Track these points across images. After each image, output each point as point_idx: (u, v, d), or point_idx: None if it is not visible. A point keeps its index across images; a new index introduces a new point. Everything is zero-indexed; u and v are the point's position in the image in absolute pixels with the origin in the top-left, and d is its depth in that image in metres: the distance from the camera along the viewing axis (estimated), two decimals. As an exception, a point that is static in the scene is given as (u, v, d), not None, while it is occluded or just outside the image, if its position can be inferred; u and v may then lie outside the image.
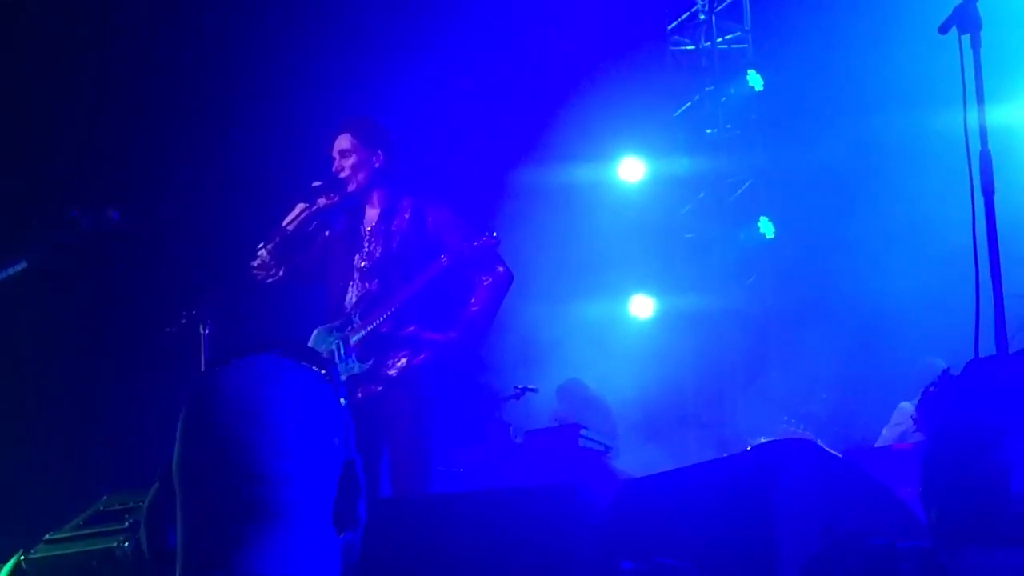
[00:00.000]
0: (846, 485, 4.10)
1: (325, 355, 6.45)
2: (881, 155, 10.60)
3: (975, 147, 4.59)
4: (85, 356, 8.95)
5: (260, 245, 6.81)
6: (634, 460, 9.23)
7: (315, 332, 6.79)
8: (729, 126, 12.51)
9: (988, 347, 4.41)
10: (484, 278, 6.70)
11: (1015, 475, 2.65)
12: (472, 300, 6.71)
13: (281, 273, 6.84)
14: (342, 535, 2.07)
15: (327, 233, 6.90)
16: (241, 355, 2.09)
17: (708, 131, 12.54)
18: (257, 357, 2.08)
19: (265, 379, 2.05)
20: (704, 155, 12.42)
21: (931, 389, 2.99)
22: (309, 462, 2.02)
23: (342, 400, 2.13)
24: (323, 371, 2.12)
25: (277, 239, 6.78)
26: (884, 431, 8.97)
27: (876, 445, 8.60)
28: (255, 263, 6.83)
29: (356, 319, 6.67)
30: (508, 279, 6.76)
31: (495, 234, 6.67)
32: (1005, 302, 4.64)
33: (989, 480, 2.67)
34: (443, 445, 7.27)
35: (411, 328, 6.62)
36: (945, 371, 2.99)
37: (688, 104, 12.60)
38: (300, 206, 6.76)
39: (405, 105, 9.06)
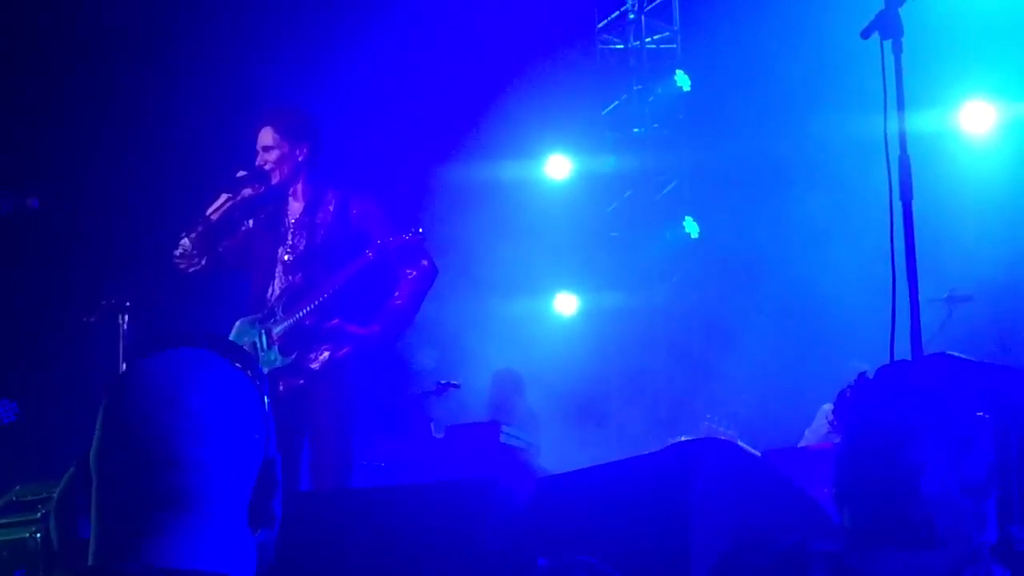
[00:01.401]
0: (762, 484, 4.14)
1: (247, 347, 6.45)
2: (805, 157, 10.68)
3: (895, 152, 4.63)
4: (0, 343, 8.84)
5: (182, 234, 6.75)
6: (556, 457, 9.26)
7: (237, 324, 6.75)
8: (656, 125, 12.56)
9: (905, 351, 4.46)
10: (408, 271, 6.68)
11: (924, 477, 2.69)
12: (396, 293, 6.69)
13: (204, 263, 6.78)
14: (257, 533, 2.06)
15: (251, 223, 6.85)
16: (165, 346, 2.08)
17: (635, 130, 12.58)
18: (182, 349, 2.07)
19: (188, 370, 2.04)
20: (631, 154, 12.47)
21: (847, 392, 3.03)
22: (226, 453, 2.01)
23: (265, 399, 2.12)
24: (247, 368, 2.11)
25: (200, 228, 6.72)
26: (806, 432, 9.05)
27: (798, 446, 8.66)
28: (177, 252, 6.77)
29: (279, 312, 6.63)
30: (433, 273, 6.75)
31: (421, 229, 6.65)
32: (925, 306, 4.71)
33: (899, 481, 2.70)
34: (365, 439, 7.26)
35: (334, 321, 6.59)
36: (861, 374, 3.03)
37: (616, 103, 12.64)
38: (224, 196, 6.71)
39: (332, 98, 9.04)
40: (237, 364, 2.09)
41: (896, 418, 2.77)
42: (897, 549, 2.69)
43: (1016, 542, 2.67)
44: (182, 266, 6.80)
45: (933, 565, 2.64)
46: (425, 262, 6.71)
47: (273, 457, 2.09)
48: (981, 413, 2.81)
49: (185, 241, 6.75)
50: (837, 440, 2.94)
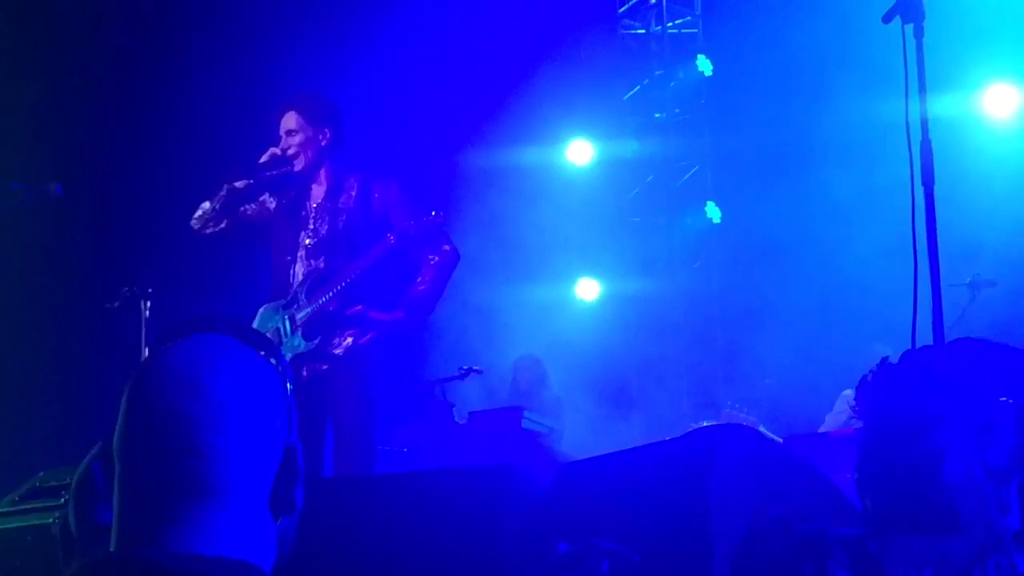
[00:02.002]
0: (783, 470, 4.13)
1: (271, 333, 6.46)
2: (827, 141, 10.66)
3: (917, 137, 4.62)
4: (24, 331, 8.88)
5: (204, 202, 6.77)
6: (578, 442, 9.27)
7: (261, 310, 6.76)
8: (678, 110, 12.54)
9: (927, 335, 4.45)
10: (431, 257, 6.69)
11: (947, 463, 2.68)
12: (418, 279, 6.69)
13: (224, 226, 6.77)
14: (278, 520, 2.06)
15: (273, 202, 6.86)
16: (189, 332, 2.08)
17: (657, 115, 12.56)
18: (205, 335, 2.07)
19: (211, 357, 2.03)
20: (652, 139, 12.45)
21: (869, 377, 3.02)
22: (249, 441, 2.01)
23: (288, 385, 2.12)
24: (269, 355, 2.11)
25: (224, 192, 6.73)
26: (827, 418, 9.03)
27: (819, 432, 8.65)
28: (197, 214, 6.76)
29: (302, 297, 6.64)
30: (455, 258, 6.75)
31: (442, 213, 6.65)
32: (948, 291, 4.69)
33: (921, 467, 2.70)
34: (387, 425, 7.27)
35: (357, 307, 6.59)
36: (884, 359, 3.02)
37: (637, 88, 12.62)
38: (246, 181, 6.73)
39: (355, 84, 9.04)
40: (259, 351, 2.09)
41: (918, 403, 2.77)
42: (919, 535, 2.68)
43: (1040, 530, 2.67)
44: (199, 227, 6.77)
45: (956, 551, 2.63)
46: (447, 247, 6.71)
47: (295, 445, 2.09)
48: (1004, 398, 2.80)
49: (206, 204, 6.76)
50: (858, 426, 2.93)
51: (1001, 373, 2.90)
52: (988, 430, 2.73)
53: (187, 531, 1.95)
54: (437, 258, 6.69)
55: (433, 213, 6.61)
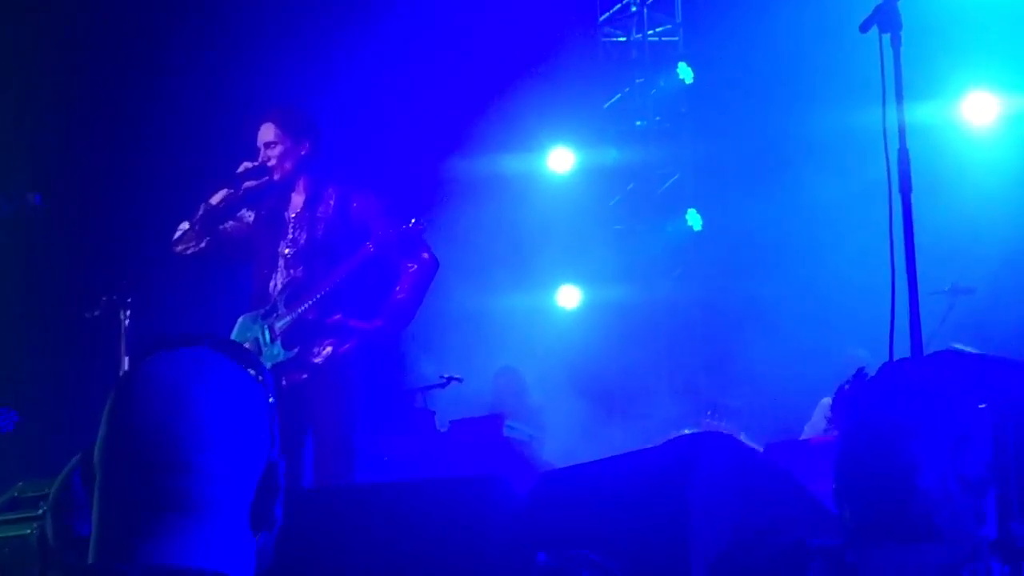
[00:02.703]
0: (762, 480, 4.14)
1: (250, 342, 6.46)
2: (807, 149, 10.67)
3: (894, 145, 4.64)
4: (3, 340, 8.85)
5: (183, 222, 6.78)
6: (560, 450, 9.27)
7: (240, 319, 6.76)
8: (658, 118, 12.55)
9: (906, 342, 4.46)
10: (409, 265, 6.70)
11: (922, 472, 2.69)
12: (397, 288, 6.70)
13: (204, 245, 6.78)
14: (257, 536, 2.06)
15: (251, 217, 6.86)
16: (172, 346, 2.08)
17: (638, 123, 12.57)
18: (188, 349, 2.07)
19: (194, 372, 2.04)
20: (633, 147, 12.46)
21: (846, 386, 3.04)
22: (231, 457, 2.01)
23: (271, 400, 2.12)
24: (252, 369, 2.11)
25: (201, 212, 6.74)
26: (806, 428, 9.04)
27: (799, 440, 8.65)
28: (176, 235, 6.77)
29: (281, 306, 6.64)
30: (434, 266, 6.76)
31: (421, 221, 6.65)
32: (927, 298, 4.71)
33: (898, 477, 2.71)
34: (367, 434, 7.26)
35: (337, 316, 6.60)
36: (860, 370, 3.03)
37: (618, 96, 12.63)
38: (225, 190, 6.73)
39: (334, 93, 9.04)
40: (242, 365, 2.09)
41: (894, 415, 2.78)
42: (896, 544, 2.69)
43: (1016, 538, 2.68)
44: (180, 248, 6.78)
45: (932, 560, 2.65)
46: (426, 255, 6.72)
47: (277, 460, 2.09)
48: (982, 405, 2.82)
49: (185, 224, 6.77)
50: (836, 435, 2.95)
51: (977, 383, 2.92)
52: (963, 441, 2.74)
53: (166, 545, 1.96)
54: (416, 266, 6.70)
55: (412, 221, 6.62)
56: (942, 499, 2.69)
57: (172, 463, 1.97)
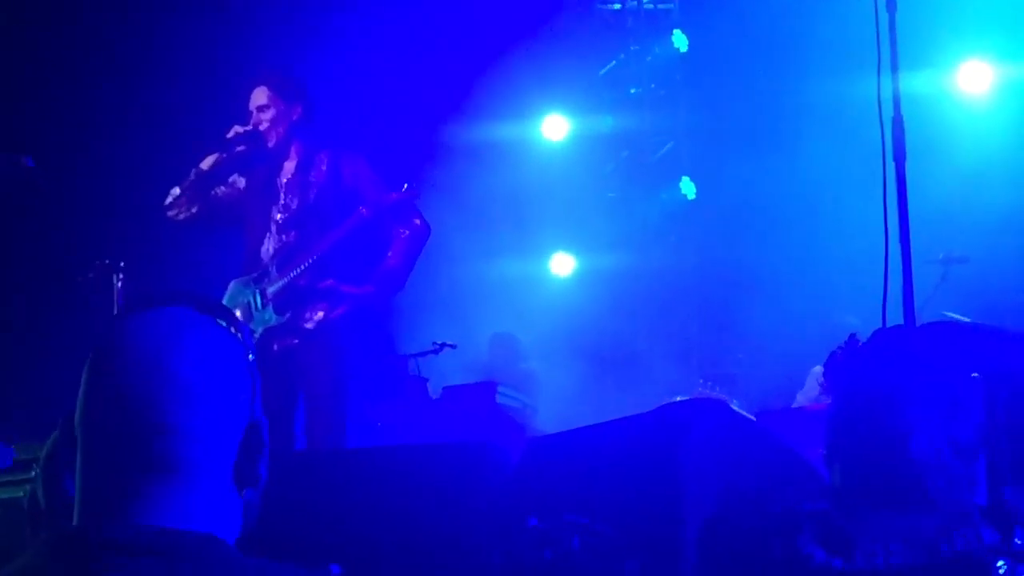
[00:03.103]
0: (753, 446, 4.14)
1: (242, 307, 6.46)
2: (802, 117, 10.65)
3: (889, 113, 4.63)
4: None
5: (174, 187, 6.77)
6: (553, 417, 9.27)
7: (232, 284, 6.76)
8: (653, 86, 12.51)
9: (899, 309, 4.46)
10: (401, 231, 6.70)
11: (914, 440, 2.70)
12: (389, 253, 6.70)
13: (195, 211, 6.78)
14: (243, 494, 2.05)
15: (243, 182, 6.85)
16: (150, 305, 2.06)
17: (632, 91, 12.53)
18: (167, 308, 2.05)
19: (174, 330, 2.01)
20: (628, 115, 12.42)
21: (838, 352, 3.04)
22: (213, 416, 2.00)
23: (251, 357, 2.10)
24: (233, 327, 2.09)
25: (192, 177, 6.73)
26: (798, 396, 9.04)
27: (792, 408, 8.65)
28: (168, 201, 6.77)
29: (273, 271, 6.64)
30: (426, 232, 6.76)
31: (413, 186, 6.65)
32: (921, 267, 4.71)
33: (889, 443, 2.71)
34: (359, 399, 7.27)
35: (328, 281, 6.60)
36: (852, 336, 3.03)
37: (613, 63, 12.59)
38: (216, 155, 6.72)
39: (327, 59, 8.99)
40: (222, 323, 2.08)
41: (887, 381, 2.78)
42: (887, 510, 2.70)
43: (1007, 505, 2.68)
44: (172, 214, 6.79)
45: (923, 526, 2.65)
46: (418, 221, 6.73)
47: (259, 418, 2.08)
48: (974, 374, 2.82)
49: (176, 190, 6.77)
50: (828, 402, 2.95)
51: (969, 351, 2.92)
52: (955, 407, 2.75)
53: (150, 506, 1.95)
54: (408, 232, 6.70)
55: (404, 187, 6.62)
56: (934, 465, 2.70)
57: (153, 424, 1.96)
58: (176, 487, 1.96)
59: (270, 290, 6.61)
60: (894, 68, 4.60)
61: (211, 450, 1.99)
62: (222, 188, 6.84)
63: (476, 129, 11.14)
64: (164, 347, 1.99)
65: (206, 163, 6.73)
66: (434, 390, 9.17)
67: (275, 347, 6.53)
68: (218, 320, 2.07)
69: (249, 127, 6.71)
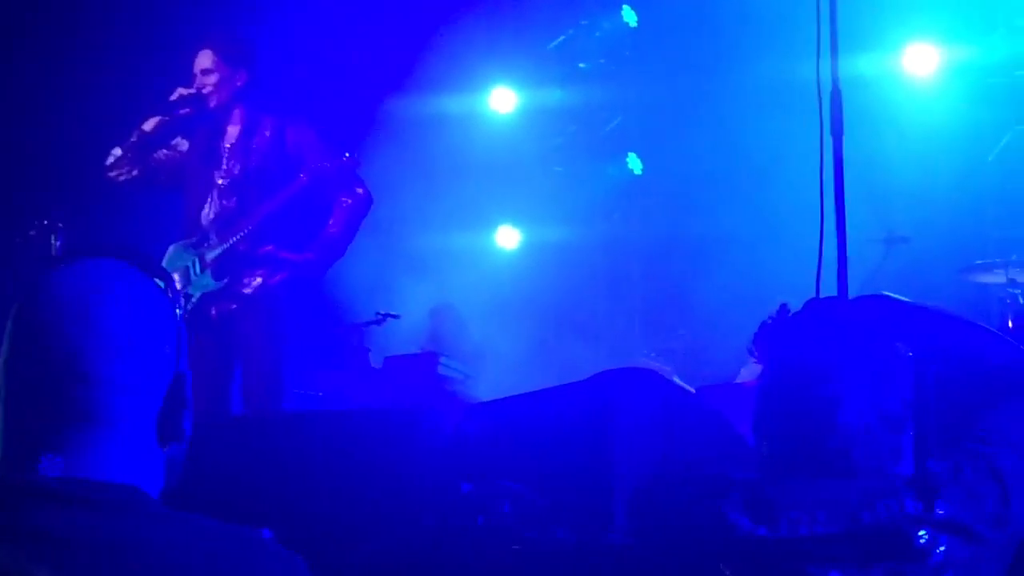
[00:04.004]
0: (689, 416, 4.16)
1: (180, 271, 6.44)
2: (750, 95, 10.68)
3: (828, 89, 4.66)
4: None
5: (115, 148, 6.72)
6: (497, 390, 9.27)
7: (171, 248, 6.73)
8: (602, 61, 12.50)
9: (831, 287, 4.48)
10: (344, 199, 6.70)
11: (842, 408, 2.72)
12: (330, 221, 6.70)
13: (136, 173, 6.74)
14: (166, 448, 2.05)
15: (186, 145, 6.81)
16: (76, 257, 2.06)
17: (581, 65, 12.52)
18: (92, 260, 2.05)
19: (100, 281, 2.01)
20: (576, 89, 12.41)
21: (768, 321, 3.05)
22: (136, 368, 1.99)
23: (178, 312, 2.10)
24: (159, 279, 2.08)
25: (134, 139, 6.69)
26: (742, 371, 9.08)
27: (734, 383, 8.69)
28: (109, 162, 6.73)
29: (213, 236, 6.62)
30: (368, 201, 6.76)
31: (356, 155, 6.64)
32: (864, 246, 4.74)
33: (817, 412, 2.73)
34: (299, 367, 7.26)
35: (268, 247, 6.59)
36: (783, 305, 3.04)
37: (562, 37, 12.56)
38: (158, 117, 6.68)
39: (272, 25, 8.93)
40: (149, 275, 2.07)
41: (817, 350, 2.80)
42: (813, 479, 2.71)
43: (931, 476, 2.70)
44: (113, 175, 6.75)
45: (847, 495, 2.67)
46: (360, 190, 6.72)
47: (184, 372, 2.07)
48: (902, 347, 2.83)
49: (117, 150, 6.72)
50: (760, 369, 2.97)
51: (902, 326, 2.94)
52: (884, 378, 2.76)
53: (72, 456, 1.94)
54: (350, 200, 6.70)
55: (347, 155, 6.60)
56: (860, 434, 2.72)
57: (76, 373, 1.95)
58: (97, 437, 1.96)
59: (209, 255, 6.59)
60: (833, 45, 4.62)
61: (134, 401, 1.99)
62: (164, 151, 6.81)
63: (423, 99, 11.10)
64: (89, 297, 1.99)
65: (148, 125, 6.69)
66: (376, 360, 9.16)
67: (213, 312, 6.51)
68: (145, 273, 2.07)
69: (193, 90, 6.67)
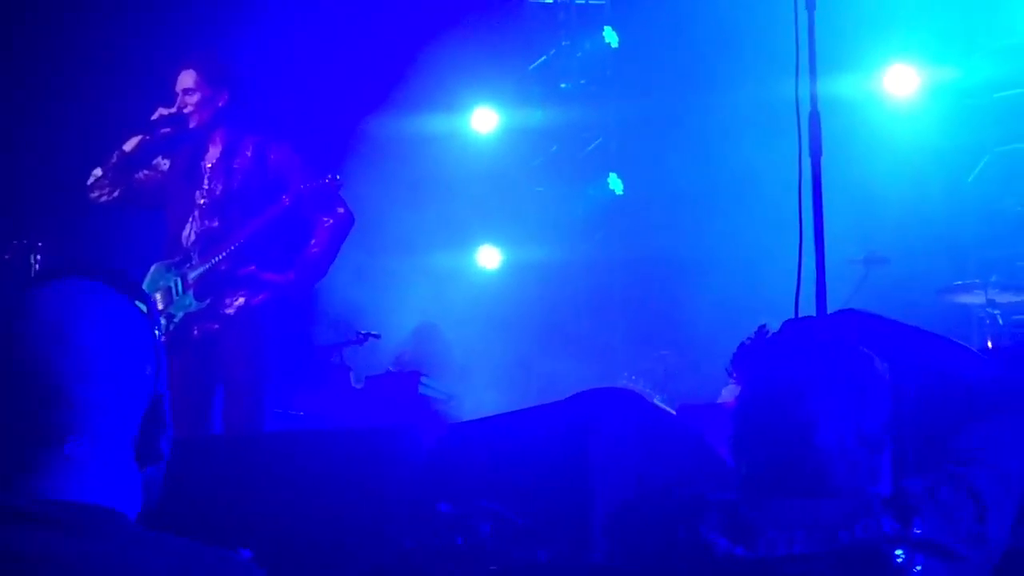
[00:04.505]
0: (668, 436, 4.17)
1: (162, 291, 6.43)
2: (731, 116, 10.71)
3: (807, 111, 4.67)
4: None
5: (96, 168, 6.73)
6: (479, 410, 9.26)
7: (153, 268, 6.73)
8: (584, 81, 12.53)
9: (811, 307, 4.50)
10: (325, 219, 6.70)
11: (820, 427, 2.72)
12: (312, 241, 6.70)
13: (117, 194, 6.75)
14: (143, 469, 2.04)
15: (167, 165, 6.82)
16: (55, 277, 2.05)
17: (563, 85, 12.54)
18: (70, 280, 2.04)
19: (77, 302, 2.00)
20: (557, 109, 12.43)
21: (747, 342, 3.06)
22: (114, 389, 1.98)
23: (157, 332, 2.09)
24: (138, 300, 2.08)
25: (114, 159, 6.70)
26: (723, 391, 9.08)
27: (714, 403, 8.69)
28: (90, 182, 6.74)
29: (195, 256, 6.62)
30: (349, 221, 6.76)
31: (337, 176, 6.65)
32: (843, 266, 4.74)
33: (794, 431, 2.74)
34: (280, 387, 7.26)
35: (250, 268, 6.59)
36: (761, 326, 3.05)
37: (544, 58, 12.59)
38: (139, 137, 6.69)
39: (254, 45, 8.93)
40: (127, 295, 2.07)
41: (794, 369, 2.81)
42: (791, 498, 2.72)
43: (908, 496, 2.71)
44: (94, 196, 6.76)
45: (825, 515, 2.67)
46: (341, 210, 6.73)
47: (162, 393, 2.07)
48: (879, 364, 2.84)
49: (98, 170, 6.73)
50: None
51: (878, 343, 2.94)
52: (862, 397, 2.77)
53: (48, 479, 1.94)
54: (331, 221, 6.70)
55: (329, 177, 6.62)
56: (838, 454, 2.72)
57: (52, 394, 1.94)
58: (74, 458, 1.95)
59: (191, 275, 6.59)
60: (812, 65, 4.64)
61: (111, 423, 1.98)
62: (145, 171, 6.81)
63: (405, 120, 11.10)
64: (66, 317, 1.98)
65: (129, 145, 6.69)
66: (357, 380, 9.15)
67: (195, 332, 6.51)
68: (123, 293, 2.06)
69: (174, 110, 6.68)
